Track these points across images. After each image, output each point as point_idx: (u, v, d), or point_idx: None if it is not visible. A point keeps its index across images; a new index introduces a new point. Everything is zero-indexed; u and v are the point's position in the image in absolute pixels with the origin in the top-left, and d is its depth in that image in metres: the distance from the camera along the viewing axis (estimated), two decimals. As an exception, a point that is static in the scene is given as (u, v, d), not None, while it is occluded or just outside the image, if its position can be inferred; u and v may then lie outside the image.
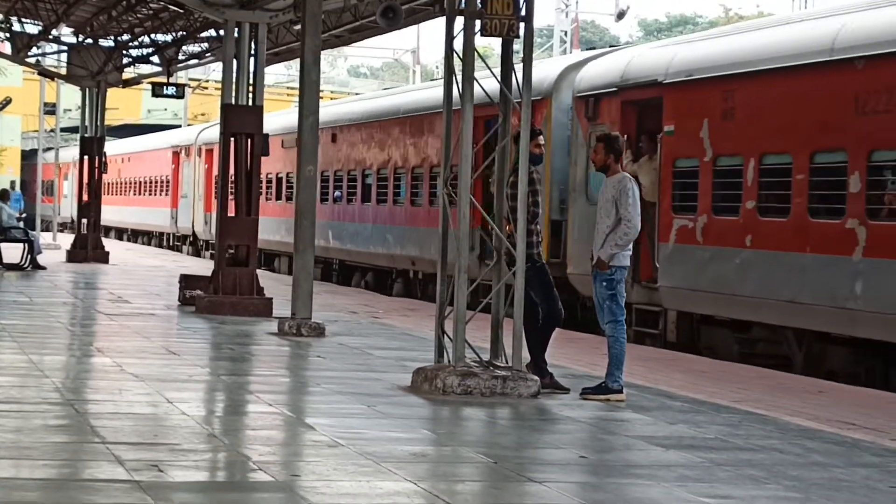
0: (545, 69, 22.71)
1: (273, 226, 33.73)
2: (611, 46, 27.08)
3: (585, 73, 21.26)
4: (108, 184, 46.68)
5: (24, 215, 45.37)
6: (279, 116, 37.24)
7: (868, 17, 15.84)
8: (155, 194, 52.12)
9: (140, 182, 54.81)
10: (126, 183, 54.60)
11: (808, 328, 14.71)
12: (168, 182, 50.58)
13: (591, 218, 15.55)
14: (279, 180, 35.82)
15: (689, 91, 18.45)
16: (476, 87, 12.11)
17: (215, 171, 40.21)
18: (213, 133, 43.04)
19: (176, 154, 49.78)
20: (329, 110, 32.05)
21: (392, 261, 28.32)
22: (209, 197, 43.56)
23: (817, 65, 16.06)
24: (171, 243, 50.82)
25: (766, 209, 16.65)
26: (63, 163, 57.80)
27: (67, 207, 58.22)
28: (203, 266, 31.23)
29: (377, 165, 29.20)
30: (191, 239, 47.61)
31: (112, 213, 50.37)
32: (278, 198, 35.51)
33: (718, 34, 20.18)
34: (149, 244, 50.85)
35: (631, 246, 12.11)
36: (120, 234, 58.66)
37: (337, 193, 31.85)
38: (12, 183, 50.56)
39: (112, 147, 47.72)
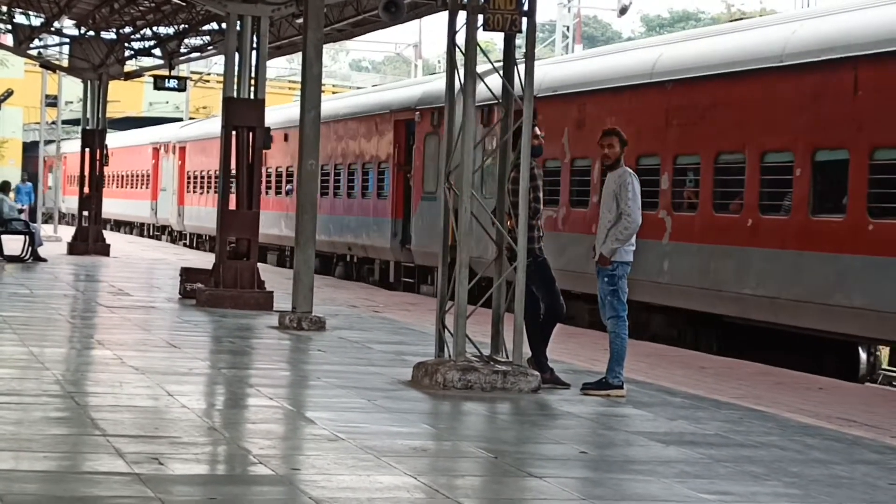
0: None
1: (272, 220, 35.02)
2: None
3: (480, 86, 22.87)
4: (24, 177, 50.30)
5: (29, 208, 45.49)
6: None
7: (678, 48, 20.00)
8: (137, 187, 55.40)
9: (123, 176, 57.11)
10: (110, 177, 56.12)
11: (632, 299, 15.66)
12: (149, 176, 54.14)
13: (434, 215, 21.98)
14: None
15: (554, 104, 21.94)
16: (479, 83, 12.11)
17: (187, 168, 46.57)
18: (188, 131, 48.45)
19: (156, 150, 53.26)
20: (281, 113, 35.41)
21: (333, 247, 31.43)
22: (182, 190, 47.67)
23: (640, 86, 19.85)
24: (151, 233, 54.42)
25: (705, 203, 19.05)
26: (49, 156, 58.66)
27: (51, 199, 58.73)
28: (204, 259, 31.22)
29: (321, 162, 29.71)
30: (169, 229, 51.04)
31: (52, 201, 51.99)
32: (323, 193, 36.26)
33: (578, 57, 25.19)
34: (130, 233, 53.51)
35: (634, 241, 12.08)
36: (104, 223, 59.61)
37: (289, 187, 34.71)
38: (23, 175, 50.39)
39: (65, 147, 52.28)
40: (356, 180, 30.72)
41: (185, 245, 47.77)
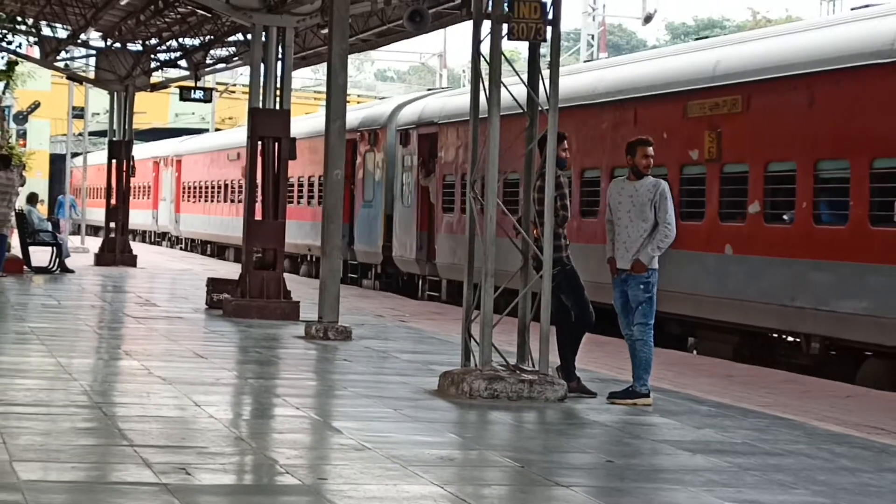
0: (384, 107, 32.23)
1: (310, 230, 37.89)
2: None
3: (402, 113, 30.06)
4: (100, 189, 52.23)
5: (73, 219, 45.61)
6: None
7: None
8: (138, 198, 58.55)
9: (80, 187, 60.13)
10: (98, 189, 60.17)
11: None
12: (150, 188, 59.76)
13: (407, 216, 28.87)
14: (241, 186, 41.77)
15: (451, 129, 26.79)
16: (504, 92, 12.11)
17: (183, 179, 52.55)
18: (184, 146, 54.29)
19: (156, 164, 58.53)
20: (241, 135, 39.54)
21: (297, 248, 36.29)
22: (178, 199, 53.77)
23: (512, 115, 21.48)
24: (152, 239, 59.73)
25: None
26: (73, 167, 60.71)
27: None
28: (231, 270, 31.30)
29: (294, 175, 36.98)
30: (168, 235, 56.77)
31: (101, 214, 52.92)
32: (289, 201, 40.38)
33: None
34: (133, 240, 54.99)
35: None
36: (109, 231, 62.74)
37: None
38: (64, 188, 50.43)
39: (91, 159, 54.76)
40: (315, 191, 35.94)
41: (181, 249, 53.22)
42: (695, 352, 19.07)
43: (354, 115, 31.97)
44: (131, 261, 34.43)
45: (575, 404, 11.80)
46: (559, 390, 11.85)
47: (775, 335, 17.81)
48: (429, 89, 37.37)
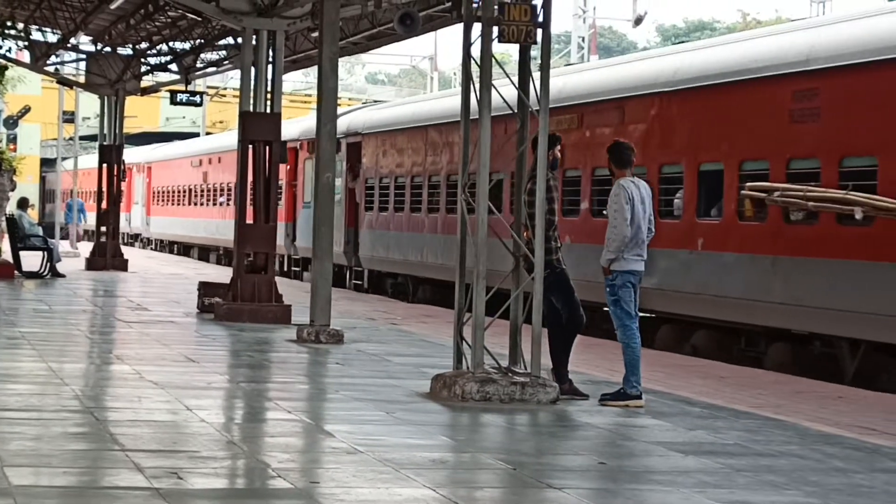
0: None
1: (213, 226, 45.72)
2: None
3: (338, 124, 36.11)
4: (76, 192, 54.19)
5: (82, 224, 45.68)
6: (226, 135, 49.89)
7: (435, 103, 30.06)
8: (86, 201, 61.81)
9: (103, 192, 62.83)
10: (89, 192, 61.39)
11: (427, 276, 27.45)
12: (122, 191, 60.66)
13: (337, 214, 30.31)
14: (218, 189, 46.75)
15: (372, 138, 31.56)
16: (494, 95, 12.12)
17: (153, 184, 57.80)
18: (155, 154, 59.28)
19: (129, 170, 60.26)
20: (204, 143, 52.20)
21: (215, 242, 44.25)
22: (149, 203, 58.90)
23: (413, 128, 29.11)
24: (125, 240, 60.46)
25: (403, 208, 29.17)
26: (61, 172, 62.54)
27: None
28: (222, 273, 31.29)
29: (216, 182, 46.55)
30: (140, 236, 61.69)
31: (91, 217, 56.21)
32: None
33: (391, 105, 35.75)
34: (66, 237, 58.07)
35: (643, 253, 12.05)
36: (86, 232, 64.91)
37: (221, 199, 45.88)
38: (71, 191, 50.33)
39: (81, 162, 55.93)
40: (226, 194, 42.32)
41: (151, 249, 57.49)
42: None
43: (297, 126, 36.61)
44: (122, 265, 34.37)
45: (567, 406, 11.81)
46: (551, 392, 11.85)
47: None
48: (363, 103, 44.93)
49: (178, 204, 53.08)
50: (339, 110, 35.94)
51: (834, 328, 15.96)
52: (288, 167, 36.36)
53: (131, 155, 61.89)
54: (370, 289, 30.91)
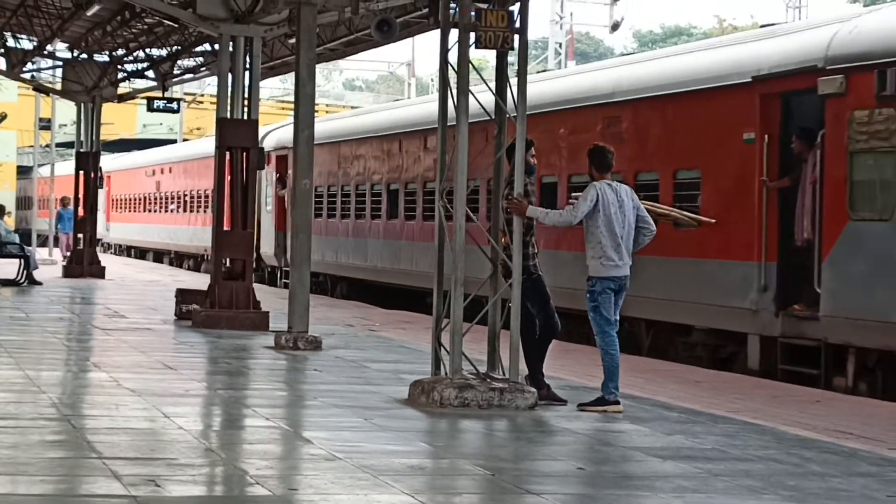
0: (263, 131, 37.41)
1: (188, 234, 47.63)
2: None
3: (266, 139, 36.73)
4: (46, 200, 56.82)
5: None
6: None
7: (345, 122, 34.37)
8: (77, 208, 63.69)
9: (59, 199, 63.52)
10: (57, 201, 61.61)
11: (342, 275, 31.94)
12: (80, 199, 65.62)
13: (269, 220, 36.75)
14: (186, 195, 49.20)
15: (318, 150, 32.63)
16: (472, 100, 12.13)
17: (112, 193, 61.74)
18: (114, 163, 61.40)
19: (108, 177, 62.71)
20: (157, 154, 56.16)
21: (198, 249, 44.94)
22: (108, 210, 61.23)
23: (329, 143, 32.21)
24: (55, 243, 66.06)
25: (322, 214, 32.44)
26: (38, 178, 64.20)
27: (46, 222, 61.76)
28: (200, 280, 31.24)
29: (167, 191, 50.86)
30: (100, 241, 64.73)
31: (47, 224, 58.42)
32: (191, 210, 48.49)
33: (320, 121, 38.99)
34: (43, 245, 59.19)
35: (622, 259, 12.03)
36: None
37: (173, 206, 49.86)
38: (64, 199, 49.91)
39: (58, 170, 57.16)
40: (210, 200, 43.83)
41: (112, 254, 59.27)
42: None
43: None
44: (100, 272, 34.28)
45: (545, 412, 11.81)
46: (529, 398, 11.86)
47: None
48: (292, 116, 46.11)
49: (134, 211, 57.04)
50: (269, 127, 38.23)
51: (635, 312, 18.41)
52: (230, 177, 39.97)
53: None
54: None
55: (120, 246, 60.48)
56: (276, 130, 37.48)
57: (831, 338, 15.54)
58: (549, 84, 23.64)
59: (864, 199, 15.26)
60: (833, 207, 15.55)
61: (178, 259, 49.46)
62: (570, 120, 21.49)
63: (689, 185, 18.36)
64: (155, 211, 53.07)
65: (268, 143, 36.81)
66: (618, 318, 12.17)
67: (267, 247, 36.30)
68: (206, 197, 44.17)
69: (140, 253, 56.36)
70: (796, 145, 16.37)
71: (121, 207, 60.13)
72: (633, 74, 20.52)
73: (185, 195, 48.00)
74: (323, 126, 34.26)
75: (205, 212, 44.54)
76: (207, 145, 45.23)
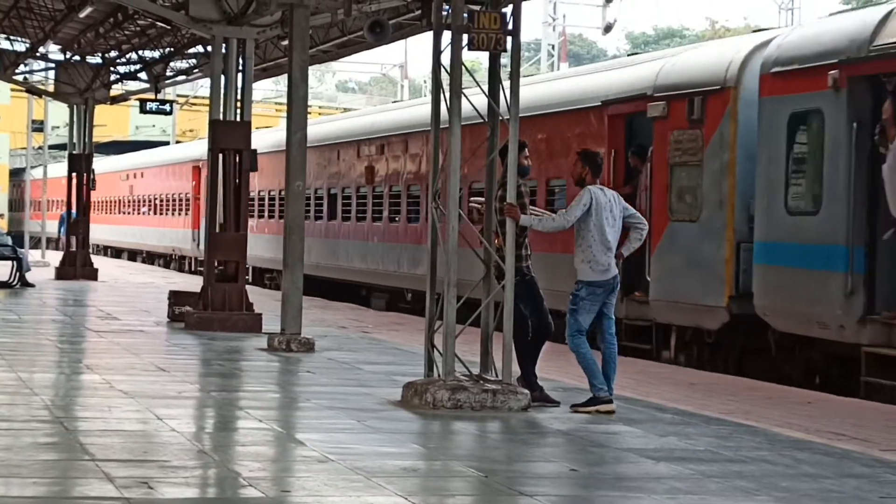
0: None
1: (157, 235, 50.38)
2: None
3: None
4: (59, 202, 58.58)
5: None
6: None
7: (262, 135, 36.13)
8: (52, 210, 67.13)
9: (45, 201, 64.98)
10: (37, 202, 65.79)
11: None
12: (62, 201, 68.39)
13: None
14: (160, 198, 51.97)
15: (267, 158, 33.03)
16: (464, 102, 12.13)
17: (92, 196, 61.69)
18: (96, 167, 64.59)
19: (69, 179, 65.55)
20: (129, 160, 59.32)
21: (164, 249, 49.40)
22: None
23: (274, 152, 32.94)
24: (59, 246, 67.34)
25: (264, 216, 36.25)
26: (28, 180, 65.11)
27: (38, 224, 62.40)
28: (192, 282, 31.21)
29: (139, 194, 54.70)
30: None
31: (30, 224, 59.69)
32: (161, 213, 51.24)
33: (267, 132, 40.07)
34: (48, 248, 59.95)
35: (610, 264, 12.05)
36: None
37: (145, 209, 53.31)
38: (66, 202, 50.14)
39: (51, 171, 58.47)
40: (175, 204, 48.38)
41: (91, 253, 62.88)
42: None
43: (196, 148, 44.48)
44: (92, 274, 34.27)
45: (538, 413, 11.82)
46: (522, 400, 11.86)
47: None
48: (256, 127, 47.22)
49: (111, 213, 60.35)
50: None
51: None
52: (193, 182, 44.67)
53: (61, 169, 64.54)
54: (254, 283, 35.44)
55: (97, 245, 61.68)
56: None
57: (658, 318, 18.70)
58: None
59: (679, 203, 18.50)
60: (658, 210, 18.70)
61: (149, 258, 53.26)
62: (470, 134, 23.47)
63: (557, 192, 21.59)
64: (129, 213, 56.33)
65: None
66: (613, 317, 12.19)
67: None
68: (176, 200, 48.02)
69: (116, 252, 59.47)
70: (632, 160, 19.55)
71: (99, 209, 61.75)
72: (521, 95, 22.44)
73: (155, 199, 51.36)
74: (270, 136, 36.53)
75: (173, 215, 48.10)
76: (177, 152, 51.16)
